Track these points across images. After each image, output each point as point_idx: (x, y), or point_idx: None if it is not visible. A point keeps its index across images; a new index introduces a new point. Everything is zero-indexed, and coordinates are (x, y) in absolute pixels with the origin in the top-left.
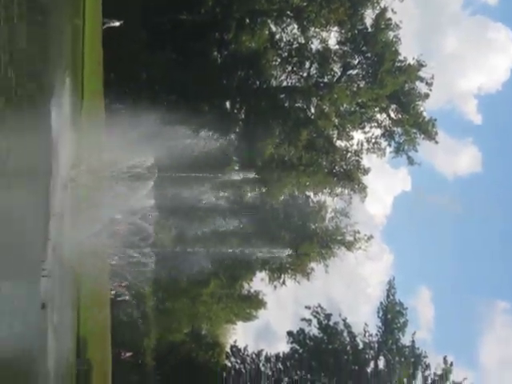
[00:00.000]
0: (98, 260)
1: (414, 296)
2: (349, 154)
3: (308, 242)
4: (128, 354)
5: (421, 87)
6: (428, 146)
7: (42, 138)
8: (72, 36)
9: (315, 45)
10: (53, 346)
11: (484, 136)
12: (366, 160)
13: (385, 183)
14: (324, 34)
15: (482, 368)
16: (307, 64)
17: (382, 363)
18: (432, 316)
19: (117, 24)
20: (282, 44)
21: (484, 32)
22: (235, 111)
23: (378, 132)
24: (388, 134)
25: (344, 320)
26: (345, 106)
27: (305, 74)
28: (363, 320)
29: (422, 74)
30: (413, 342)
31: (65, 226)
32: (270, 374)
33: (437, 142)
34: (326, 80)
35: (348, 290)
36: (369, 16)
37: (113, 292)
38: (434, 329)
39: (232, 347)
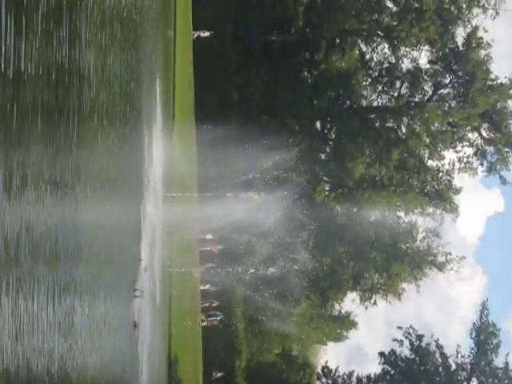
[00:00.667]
0: (189, 278)
1: (507, 318)
2: (440, 174)
3: (399, 263)
4: (219, 374)
5: None
6: None
7: (135, 157)
8: (164, 56)
9: (406, 64)
10: (145, 367)
11: None
12: (458, 179)
13: (477, 203)
14: (415, 53)
15: None
16: (398, 83)
17: None
18: None
19: (207, 34)
20: (373, 64)
21: None
22: (325, 131)
23: (470, 151)
24: (480, 153)
25: (436, 341)
26: (436, 125)
27: (395, 94)
28: (455, 341)
29: None
30: (506, 363)
31: (156, 245)
32: None
33: None
34: (416, 99)
35: (440, 310)
36: (460, 35)
37: (204, 305)
38: None
39: (323, 368)
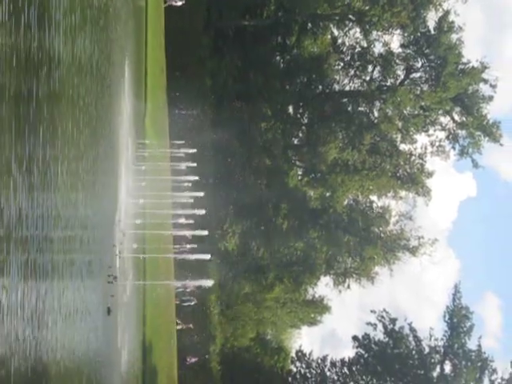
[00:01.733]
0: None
1: (480, 303)
2: (412, 158)
3: (372, 246)
4: (194, 360)
5: (485, 89)
6: (493, 153)
7: (106, 144)
8: (135, 40)
9: (378, 48)
10: (120, 353)
11: None
12: (430, 163)
13: (450, 188)
14: (386, 38)
15: None
16: (370, 68)
17: (448, 367)
18: (499, 323)
19: (179, 4)
20: (345, 48)
21: None
22: (298, 116)
23: (442, 135)
24: (452, 137)
25: (409, 324)
26: (408, 109)
27: (368, 78)
28: (429, 325)
29: (485, 76)
30: (479, 346)
31: (130, 230)
32: (335, 378)
33: (501, 145)
34: (388, 83)
35: (413, 294)
36: (431, 19)
37: (178, 289)
38: (502, 336)
39: (297, 352)
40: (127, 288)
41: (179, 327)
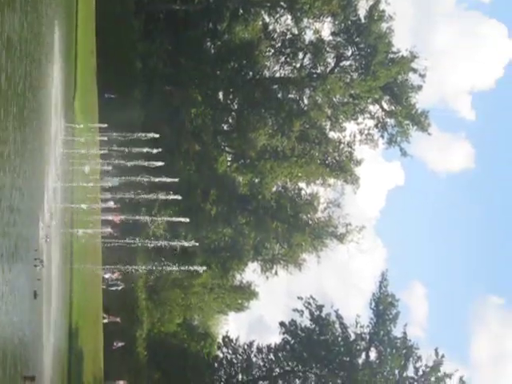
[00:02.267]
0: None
1: (407, 292)
2: (341, 145)
3: (300, 233)
4: (120, 344)
5: (414, 79)
6: (421, 142)
7: (36, 130)
8: (65, 21)
9: (308, 36)
10: (45, 335)
11: (477, 133)
12: (359, 152)
13: (378, 176)
14: (317, 25)
15: (474, 363)
16: (300, 55)
17: (373, 354)
18: (425, 312)
19: None
20: (276, 35)
21: (477, 28)
22: (228, 102)
23: (371, 123)
24: (381, 126)
25: (336, 311)
26: (338, 97)
27: (298, 65)
28: (355, 312)
29: (415, 65)
30: (404, 333)
31: (57, 213)
32: (261, 364)
33: (429, 134)
34: (319, 71)
35: (340, 282)
36: (362, 7)
37: (106, 276)
38: (427, 325)
39: (224, 338)
40: (54, 272)
41: (105, 321)
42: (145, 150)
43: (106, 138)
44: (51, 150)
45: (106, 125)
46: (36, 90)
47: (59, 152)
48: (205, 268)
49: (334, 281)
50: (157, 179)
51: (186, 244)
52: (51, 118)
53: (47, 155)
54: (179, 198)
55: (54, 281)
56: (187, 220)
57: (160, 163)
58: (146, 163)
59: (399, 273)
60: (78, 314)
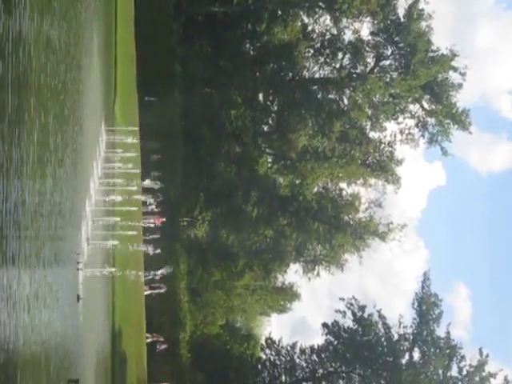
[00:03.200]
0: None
1: (450, 293)
2: (382, 145)
3: (341, 234)
4: (163, 347)
5: (454, 77)
6: (462, 142)
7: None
8: (105, 30)
9: (348, 36)
10: (88, 339)
11: None
12: (400, 152)
13: (419, 176)
14: (356, 25)
15: None
16: (340, 55)
17: (416, 354)
18: (469, 313)
19: None
20: (315, 35)
21: None
22: (268, 103)
23: (412, 123)
24: (421, 125)
25: (378, 311)
26: (378, 96)
27: (337, 65)
28: (398, 312)
29: (455, 64)
30: (448, 333)
31: (99, 217)
32: (304, 365)
33: (470, 133)
34: (358, 71)
35: (382, 282)
36: (401, 6)
37: (148, 277)
38: (471, 326)
39: (267, 339)
40: (96, 275)
41: (149, 340)
42: None
43: (145, 141)
44: (92, 153)
45: (146, 128)
46: (76, 93)
47: (100, 155)
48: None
49: (376, 281)
50: None
51: None
52: (92, 121)
53: (88, 158)
54: None
55: (96, 284)
56: None
57: None
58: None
59: (442, 274)
60: (121, 317)
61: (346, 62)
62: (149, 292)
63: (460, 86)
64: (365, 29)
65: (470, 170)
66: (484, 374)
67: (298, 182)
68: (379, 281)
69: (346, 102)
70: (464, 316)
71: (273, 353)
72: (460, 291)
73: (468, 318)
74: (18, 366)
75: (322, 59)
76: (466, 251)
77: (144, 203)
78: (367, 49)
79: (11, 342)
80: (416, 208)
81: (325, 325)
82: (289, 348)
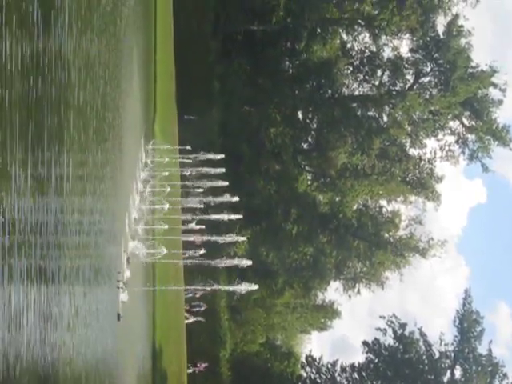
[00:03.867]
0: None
1: (492, 311)
2: (422, 162)
3: (382, 251)
4: (204, 365)
5: (494, 94)
6: (503, 159)
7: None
8: (144, 47)
9: (387, 53)
10: (129, 357)
11: None
12: (440, 169)
13: (459, 194)
14: (396, 42)
15: None
16: (379, 72)
17: (458, 372)
18: (511, 333)
19: None
20: (354, 53)
21: None
22: (307, 121)
23: (452, 139)
24: (461, 141)
25: (419, 329)
26: (417, 113)
27: (377, 83)
28: (439, 330)
29: (495, 80)
30: (489, 350)
31: (140, 235)
32: (345, 383)
33: (511, 149)
34: (398, 88)
35: (423, 300)
36: (440, 23)
37: (188, 295)
38: None
39: (307, 357)
40: (137, 293)
41: (190, 371)
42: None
43: (186, 160)
44: (132, 172)
45: (187, 147)
46: (115, 111)
47: (140, 173)
48: (256, 286)
49: (417, 299)
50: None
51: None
52: (131, 139)
53: (128, 177)
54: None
55: (136, 302)
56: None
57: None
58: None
59: (483, 292)
60: (161, 335)
61: (385, 79)
62: (190, 321)
63: (500, 102)
64: (404, 46)
65: (510, 187)
66: None
67: (337, 199)
68: (420, 298)
69: (385, 119)
70: (506, 335)
71: (313, 371)
72: (502, 310)
73: (510, 337)
74: None
75: (361, 76)
76: (508, 270)
77: (184, 222)
78: (406, 66)
79: (52, 360)
80: (456, 225)
81: (365, 343)
82: (329, 366)
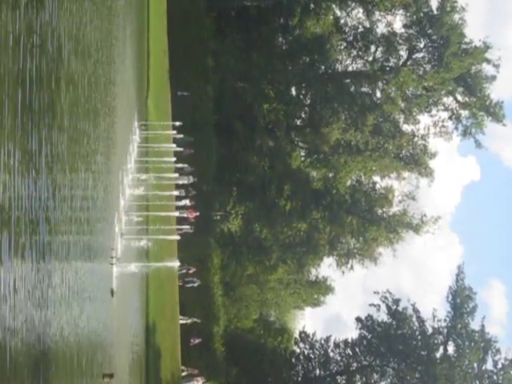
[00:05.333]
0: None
1: (485, 289)
2: (415, 138)
3: (375, 227)
4: (197, 341)
5: (488, 69)
6: (496, 137)
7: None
8: (137, 22)
9: (380, 29)
10: (122, 333)
11: None
12: (433, 145)
13: (453, 171)
14: (389, 18)
15: None
16: (372, 48)
17: (451, 348)
18: (505, 309)
19: None
20: (347, 28)
21: None
22: (301, 97)
23: (445, 115)
24: (455, 117)
25: (413, 305)
26: (411, 89)
27: (370, 59)
28: (432, 306)
29: (488, 55)
30: (482, 326)
31: (133, 211)
32: (338, 359)
33: (504, 125)
34: (391, 64)
35: (416, 276)
36: None
37: (181, 271)
38: (507, 323)
39: (300, 333)
40: (130, 269)
41: (184, 373)
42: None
43: (178, 135)
44: (125, 148)
45: (179, 123)
46: (108, 87)
47: (133, 149)
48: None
49: (411, 275)
50: None
51: None
52: (125, 116)
53: (121, 153)
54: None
55: (130, 278)
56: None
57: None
58: None
59: (477, 270)
60: (155, 311)
61: (378, 55)
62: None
63: (494, 78)
64: (397, 22)
65: (504, 164)
66: None
67: (331, 175)
68: (413, 275)
69: (378, 95)
70: (499, 312)
71: (307, 346)
72: (495, 287)
73: (503, 315)
74: (52, 360)
75: (354, 52)
76: (501, 247)
77: (177, 197)
78: (400, 42)
79: (45, 336)
80: (450, 203)
81: (359, 319)
82: (323, 342)
